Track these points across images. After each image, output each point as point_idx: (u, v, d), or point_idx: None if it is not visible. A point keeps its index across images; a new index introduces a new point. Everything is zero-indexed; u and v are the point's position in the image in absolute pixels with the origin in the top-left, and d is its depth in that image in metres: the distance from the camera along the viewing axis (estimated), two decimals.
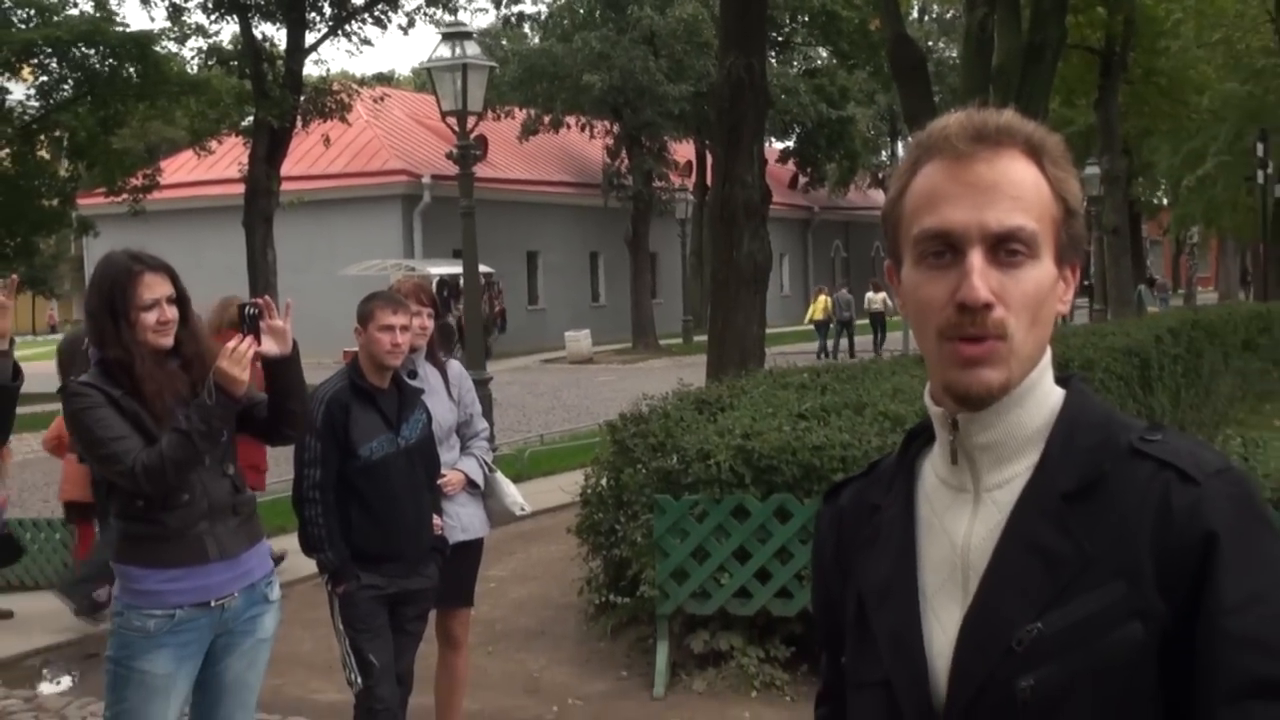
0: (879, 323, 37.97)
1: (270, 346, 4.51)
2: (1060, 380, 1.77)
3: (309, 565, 5.94)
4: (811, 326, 39.67)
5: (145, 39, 28.33)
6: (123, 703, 4.54)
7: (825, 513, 1.95)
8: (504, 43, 44.23)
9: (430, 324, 6.36)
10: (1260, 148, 37.33)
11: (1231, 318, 20.14)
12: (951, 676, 1.68)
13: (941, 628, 1.71)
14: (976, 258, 1.66)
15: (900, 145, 51.73)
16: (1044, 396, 1.75)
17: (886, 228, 1.80)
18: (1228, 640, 1.60)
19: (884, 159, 56.93)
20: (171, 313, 4.44)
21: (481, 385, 11.69)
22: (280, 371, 4.61)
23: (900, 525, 1.80)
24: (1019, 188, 1.69)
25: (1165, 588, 1.62)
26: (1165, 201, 53.87)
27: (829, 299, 38.75)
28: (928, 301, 1.70)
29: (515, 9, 45.33)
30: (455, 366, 6.62)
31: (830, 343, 37.77)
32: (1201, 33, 37.14)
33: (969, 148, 1.69)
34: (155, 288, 4.42)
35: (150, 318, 4.40)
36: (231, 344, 4.36)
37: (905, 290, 1.75)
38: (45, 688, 8.11)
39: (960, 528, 1.74)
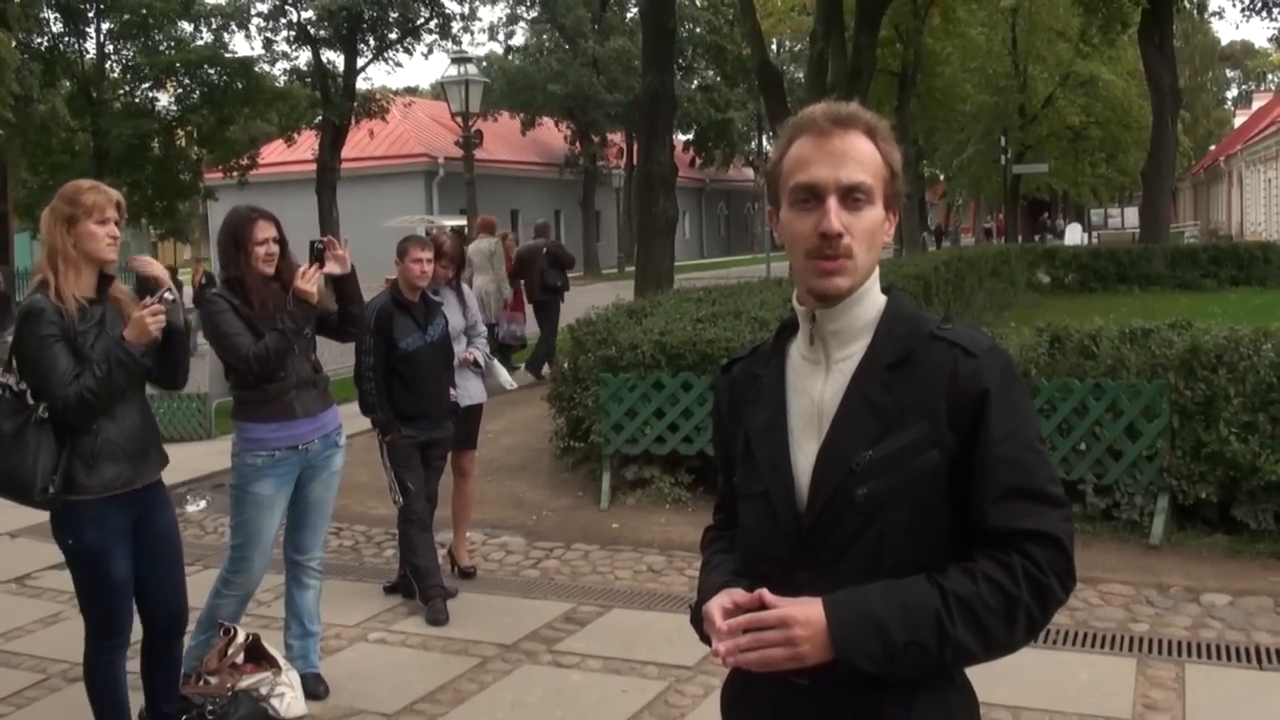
0: None
1: (333, 268, 4.51)
2: (884, 289, 1.77)
3: (365, 422, 5.90)
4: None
5: (248, 62, 28.70)
6: (242, 515, 4.53)
7: (723, 381, 1.93)
8: (495, 65, 43.57)
9: (449, 272, 6.30)
10: (1003, 140, 37.75)
11: (984, 255, 20.25)
12: (811, 488, 1.68)
13: (804, 455, 1.71)
14: (833, 202, 1.67)
15: (765, 138, 51.50)
16: (874, 299, 1.74)
17: (769, 182, 1.78)
18: (994, 461, 1.63)
19: (753, 147, 56.53)
20: (275, 249, 4.41)
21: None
22: (343, 285, 4.60)
23: (775, 387, 1.79)
24: (861, 155, 1.69)
25: (954, 427, 1.64)
26: (941, 176, 54.01)
27: None
28: (799, 232, 1.69)
29: (505, 42, 45.02)
30: (465, 289, 6.56)
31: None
32: (965, 61, 37.19)
33: (828, 127, 1.69)
34: (265, 230, 4.39)
35: (260, 251, 4.37)
36: (303, 268, 4.35)
37: (783, 225, 1.74)
38: (189, 507, 8.05)
39: (816, 388, 1.74)
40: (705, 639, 1.71)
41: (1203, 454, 6.15)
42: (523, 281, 13.86)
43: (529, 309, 14.04)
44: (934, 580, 1.59)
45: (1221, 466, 6.10)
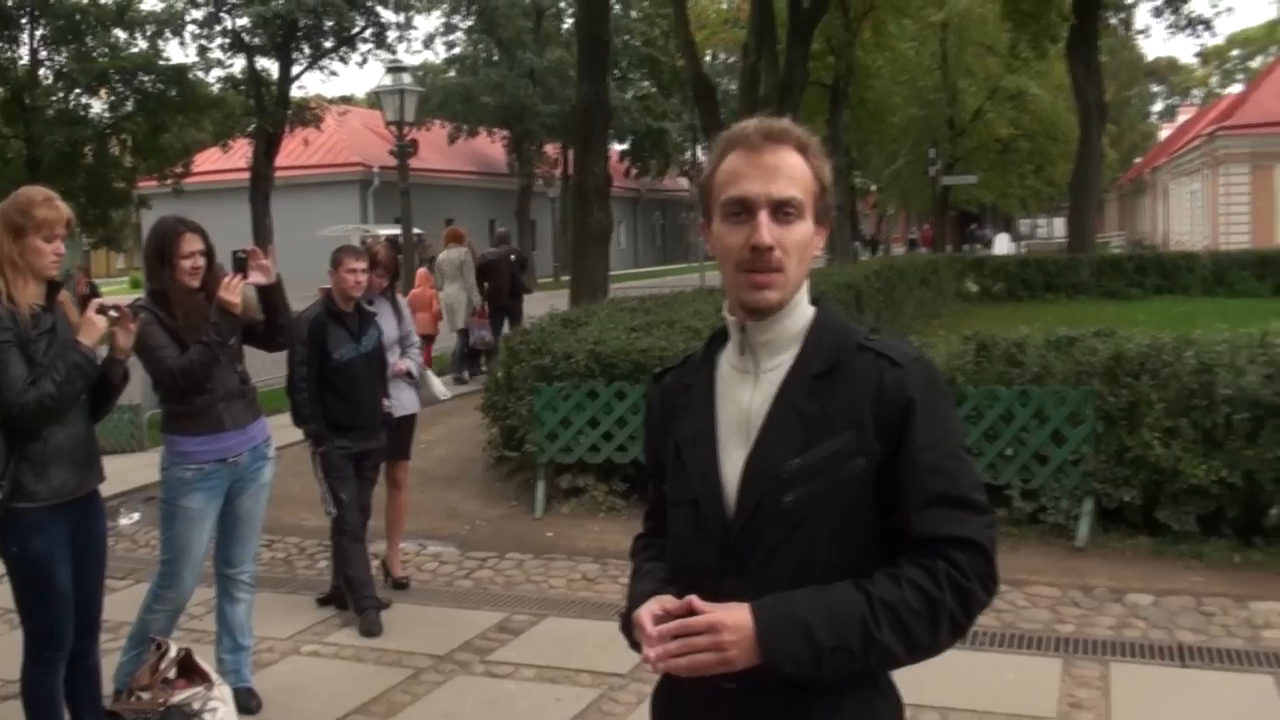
0: None
1: (258, 278, 4.44)
2: (814, 300, 1.79)
3: (296, 433, 5.83)
4: None
5: (182, 69, 28.30)
6: (171, 529, 4.47)
7: (655, 390, 1.95)
8: (431, 75, 43.31)
9: (384, 281, 6.24)
10: (932, 152, 38.42)
11: (913, 264, 20.59)
12: (739, 495, 1.70)
13: (732, 463, 1.72)
14: (764, 216, 1.69)
15: (700, 149, 51.68)
16: (803, 310, 1.77)
17: (701, 195, 1.80)
18: (918, 469, 1.65)
19: (688, 158, 56.72)
20: (201, 262, 4.34)
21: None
22: (269, 296, 4.54)
23: (705, 397, 1.81)
24: (792, 170, 1.71)
25: (880, 435, 1.66)
26: (873, 187, 54.59)
27: None
28: (730, 245, 1.71)
29: (446, 53, 44.77)
30: (400, 300, 6.50)
31: None
32: (895, 75, 37.70)
33: (760, 142, 1.71)
34: (192, 243, 4.32)
35: (187, 264, 4.30)
36: (226, 279, 4.30)
37: (714, 238, 1.75)
38: (121, 520, 7.89)
39: (745, 397, 1.75)
40: (636, 646, 1.72)
41: (1126, 458, 6.28)
42: (486, 286, 14.07)
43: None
44: (860, 586, 1.62)
45: (1145, 470, 6.24)
